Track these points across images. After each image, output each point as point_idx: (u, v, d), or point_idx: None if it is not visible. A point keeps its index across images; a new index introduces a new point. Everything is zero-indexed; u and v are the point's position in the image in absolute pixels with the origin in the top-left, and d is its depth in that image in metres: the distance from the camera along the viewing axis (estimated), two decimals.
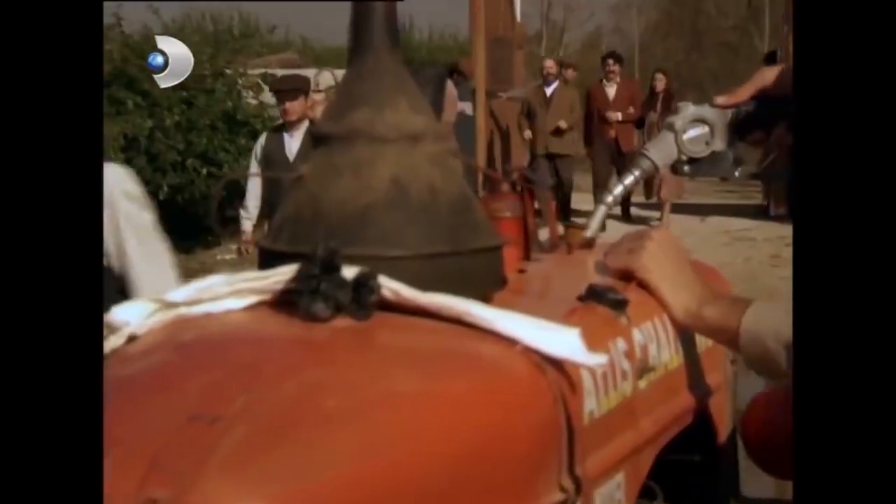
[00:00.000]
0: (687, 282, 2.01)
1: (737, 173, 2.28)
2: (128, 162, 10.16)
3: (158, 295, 1.66)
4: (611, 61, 13.09)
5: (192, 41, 11.62)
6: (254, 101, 12.73)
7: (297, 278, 1.62)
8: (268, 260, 1.72)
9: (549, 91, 12.68)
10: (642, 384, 1.90)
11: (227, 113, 12.19)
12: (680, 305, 1.99)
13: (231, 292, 1.67)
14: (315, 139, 1.78)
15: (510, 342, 1.61)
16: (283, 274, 1.65)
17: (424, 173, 1.74)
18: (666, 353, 2.01)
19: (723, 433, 2.27)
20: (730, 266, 11.89)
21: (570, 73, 13.98)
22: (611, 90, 13.08)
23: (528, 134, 12.92)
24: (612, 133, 13.04)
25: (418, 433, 1.43)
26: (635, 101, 13.09)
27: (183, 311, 1.65)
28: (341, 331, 1.59)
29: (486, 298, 1.76)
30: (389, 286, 1.64)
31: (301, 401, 1.42)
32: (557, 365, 1.63)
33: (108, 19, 11.24)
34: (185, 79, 8.24)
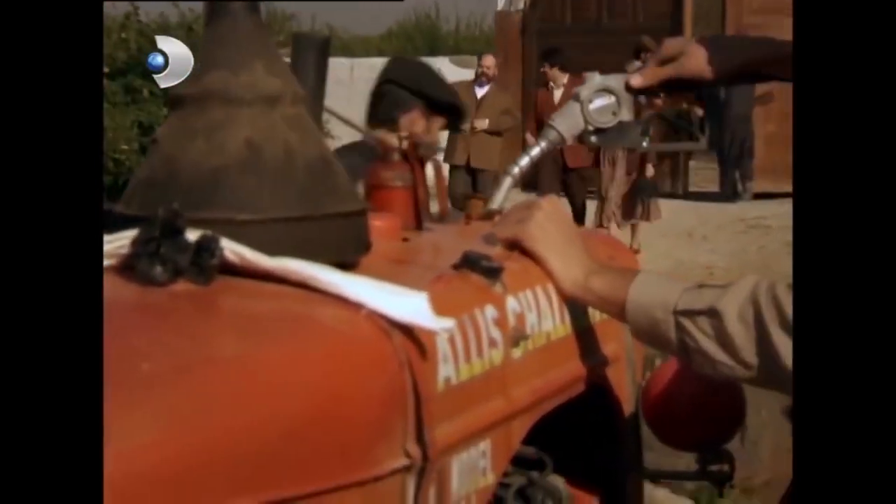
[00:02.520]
0: (575, 252, 1.96)
1: (645, 143, 2.23)
2: (142, 150, 10.22)
3: None
4: (547, 64, 10.65)
5: None
6: None
7: (137, 241, 1.59)
8: (119, 224, 1.69)
9: (480, 93, 10.40)
10: (516, 353, 1.86)
11: None
12: (567, 276, 1.95)
13: None
14: (171, 102, 1.75)
15: (356, 307, 1.57)
16: (127, 238, 1.62)
17: (280, 136, 1.71)
18: (549, 323, 1.97)
19: (623, 404, 2.22)
20: (744, 254, 11.79)
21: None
22: (557, 94, 10.68)
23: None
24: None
25: (238, 398, 1.40)
26: None
27: None
28: (179, 295, 1.56)
29: (346, 265, 1.73)
30: (233, 249, 1.61)
31: (115, 366, 1.39)
32: (406, 330, 1.59)
33: (125, 8, 11.31)
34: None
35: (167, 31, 11.15)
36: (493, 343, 1.79)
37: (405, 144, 2.15)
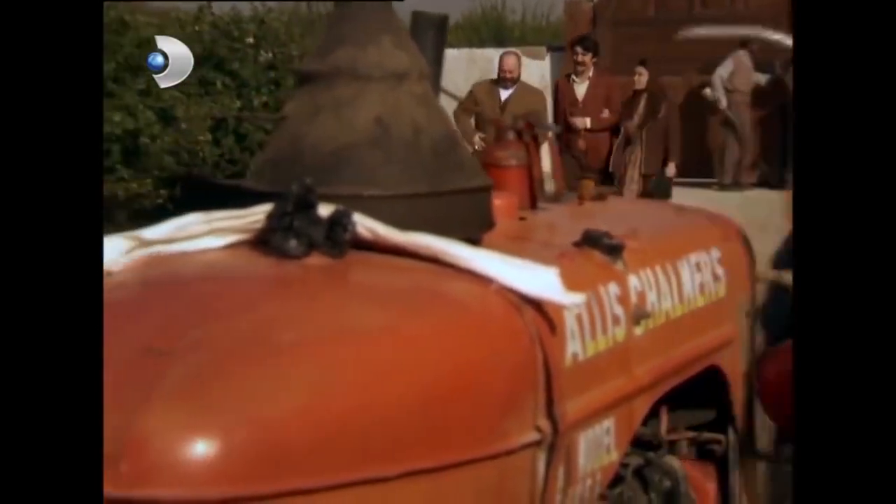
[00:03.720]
0: None
1: None
2: (216, 142, 10.28)
3: (135, 233, 1.66)
4: (580, 49, 8.93)
5: (281, 21, 11.69)
6: None
7: (271, 216, 1.61)
8: (249, 199, 1.71)
9: (504, 95, 8.73)
10: (638, 331, 1.85)
11: None
12: None
13: (209, 231, 1.66)
14: (298, 78, 1.76)
15: (486, 281, 1.58)
16: (261, 213, 1.64)
17: (408, 112, 1.71)
18: (668, 302, 1.96)
19: (736, 386, 2.20)
20: None
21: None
22: (580, 88, 9.16)
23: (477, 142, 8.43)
24: (581, 143, 9.20)
25: (376, 369, 1.41)
26: (612, 102, 9.05)
27: (159, 248, 1.65)
28: (313, 268, 1.57)
29: (471, 241, 1.73)
30: (365, 224, 1.62)
31: (256, 334, 1.40)
32: (536, 306, 1.59)
33: (199, 1, 11.36)
34: (274, 59, 8.14)
35: (240, 24, 11.20)
36: (616, 320, 1.79)
37: (520, 124, 2.15)
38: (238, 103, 11.85)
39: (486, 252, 1.62)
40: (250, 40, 10.69)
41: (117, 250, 1.63)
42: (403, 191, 1.68)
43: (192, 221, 1.67)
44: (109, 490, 1.26)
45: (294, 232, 1.59)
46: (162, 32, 10.58)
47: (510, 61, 9.09)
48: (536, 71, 10.78)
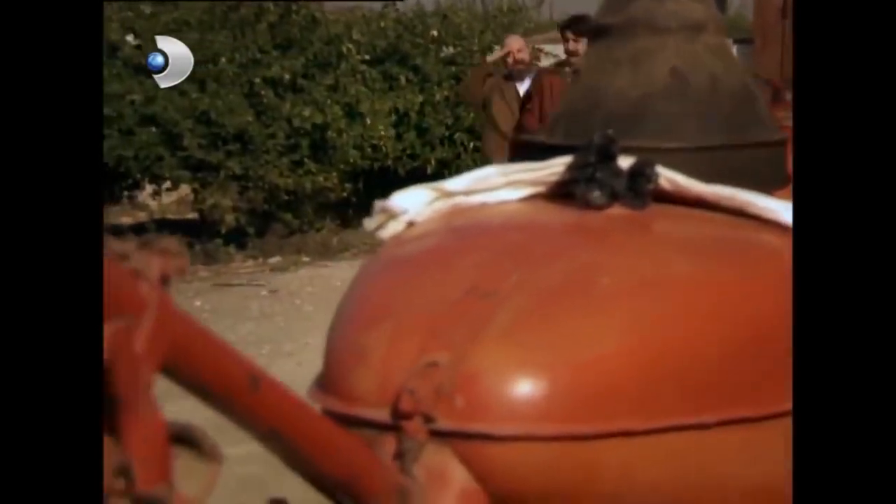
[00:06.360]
0: None
1: None
2: (398, 137, 10.42)
3: (437, 184, 1.68)
4: (571, 35, 6.04)
5: (461, 18, 11.78)
6: None
7: (573, 167, 1.61)
8: (543, 153, 1.72)
9: (522, 88, 6.78)
10: None
11: None
12: None
13: (506, 183, 1.68)
14: (593, 32, 1.76)
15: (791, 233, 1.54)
16: (558, 165, 1.64)
17: (705, 64, 1.69)
18: None
19: None
20: None
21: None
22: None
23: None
24: None
25: (689, 315, 1.40)
26: None
27: (460, 200, 1.67)
28: (616, 218, 1.57)
29: (767, 194, 1.69)
30: (667, 175, 1.60)
31: (573, 279, 1.41)
32: None
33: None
34: (455, 54, 8.04)
35: (423, 19, 11.33)
36: None
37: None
38: (420, 98, 11.99)
39: (790, 204, 1.59)
40: (434, 33, 10.80)
41: (419, 201, 1.65)
42: (702, 142, 1.66)
43: (490, 174, 1.69)
44: (444, 423, 1.28)
45: (597, 182, 1.58)
46: (349, 29, 10.81)
47: (515, 41, 7.17)
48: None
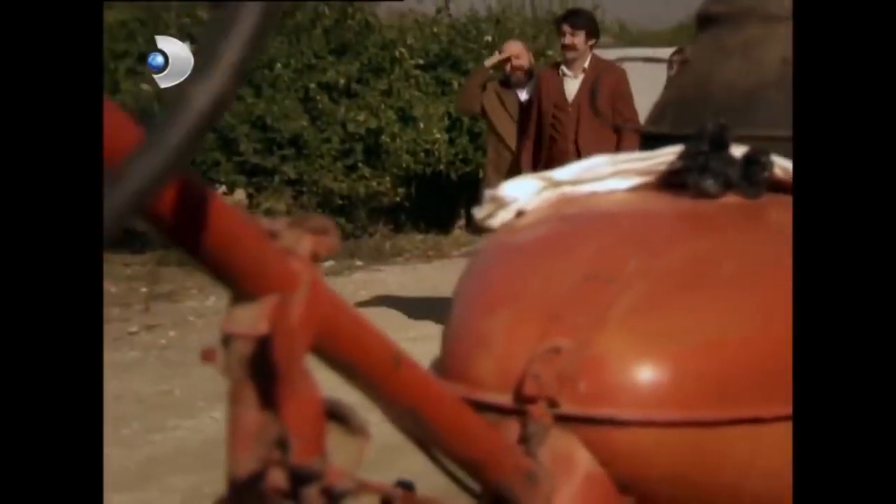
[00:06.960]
0: None
1: None
2: (451, 141, 10.45)
3: (545, 174, 1.68)
4: (568, 28, 5.89)
5: (514, 22, 11.80)
6: None
7: (685, 155, 1.59)
8: (650, 142, 1.71)
9: (523, 96, 6.32)
10: None
11: None
12: None
13: (614, 172, 1.66)
14: (701, 21, 1.75)
15: None
16: (668, 154, 1.63)
17: None
18: None
19: None
20: None
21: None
22: (571, 82, 5.92)
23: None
24: (568, 154, 5.47)
25: None
26: (621, 100, 5.62)
27: (568, 189, 1.66)
28: (730, 206, 1.55)
29: None
30: (781, 164, 1.59)
31: (694, 265, 1.40)
32: None
33: (438, 3, 11.59)
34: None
35: (477, 24, 11.36)
36: None
37: None
38: None
39: None
40: (488, 38, 10.80)
41: (529, 190, 1.65)
42: None
43: (598, 163, 1.68)
44: (568, 408, 1.28)
45: (711, 171, 1.57)
46: (402, 34, 10.85)
47: (514, 47, 6.76)
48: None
